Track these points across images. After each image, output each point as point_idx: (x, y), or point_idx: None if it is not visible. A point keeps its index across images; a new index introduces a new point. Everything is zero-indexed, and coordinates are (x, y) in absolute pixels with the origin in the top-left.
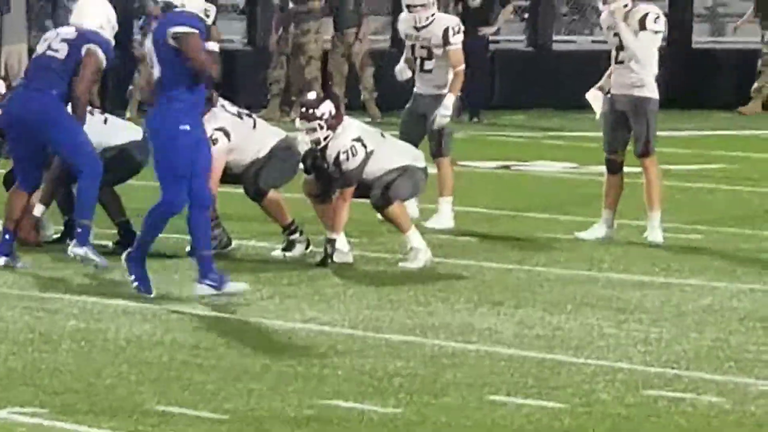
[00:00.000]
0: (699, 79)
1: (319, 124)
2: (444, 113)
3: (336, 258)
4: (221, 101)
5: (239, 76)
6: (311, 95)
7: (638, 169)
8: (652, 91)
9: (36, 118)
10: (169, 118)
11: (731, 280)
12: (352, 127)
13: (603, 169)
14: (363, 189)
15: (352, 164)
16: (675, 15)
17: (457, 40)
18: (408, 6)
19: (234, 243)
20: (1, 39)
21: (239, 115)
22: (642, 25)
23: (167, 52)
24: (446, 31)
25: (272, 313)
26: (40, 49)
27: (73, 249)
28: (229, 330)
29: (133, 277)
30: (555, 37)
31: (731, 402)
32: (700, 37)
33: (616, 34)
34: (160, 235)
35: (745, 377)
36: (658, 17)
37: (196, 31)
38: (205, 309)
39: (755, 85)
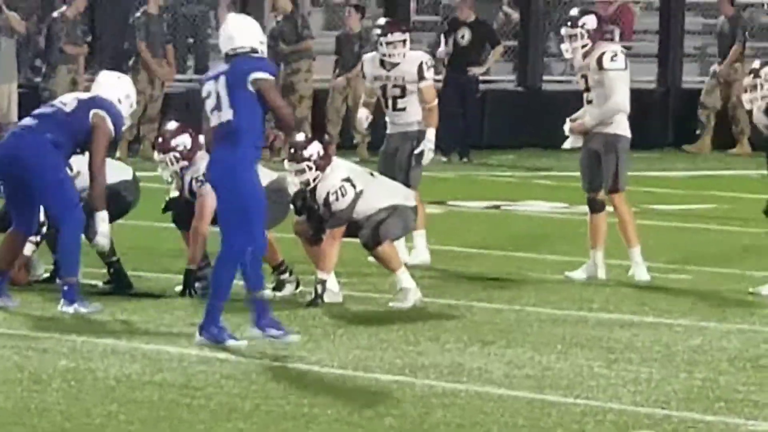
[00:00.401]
0: (687, 120)
1: (308, 165)
2: (430, 147)
3: (326, 298)
4: None
5: None
6: (299, 136)
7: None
8: (622, 129)
9: (24, 159)
10: (241, 163)
11: (721, 320)
12: (341, 167)
13: None
14: (353, 228)
15: (341, 204)
16: (665, 55)
17: (430, 75)
18: (387, 43)
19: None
20: None
21: None
22: (599, 65)
23: (245, 98)
24: (420, 66)
25: (262, 353)
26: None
27: (63, 309)
28: (218, 369)
29: (226, 338)
30: (545, 77)
31: None
32: (690, 77)
33: (583, 76)
34: (151, 275)
35: (735, 417)
36: (615, 55)
37: (274, 78)
38: (194, 348)
39: (735, 128)
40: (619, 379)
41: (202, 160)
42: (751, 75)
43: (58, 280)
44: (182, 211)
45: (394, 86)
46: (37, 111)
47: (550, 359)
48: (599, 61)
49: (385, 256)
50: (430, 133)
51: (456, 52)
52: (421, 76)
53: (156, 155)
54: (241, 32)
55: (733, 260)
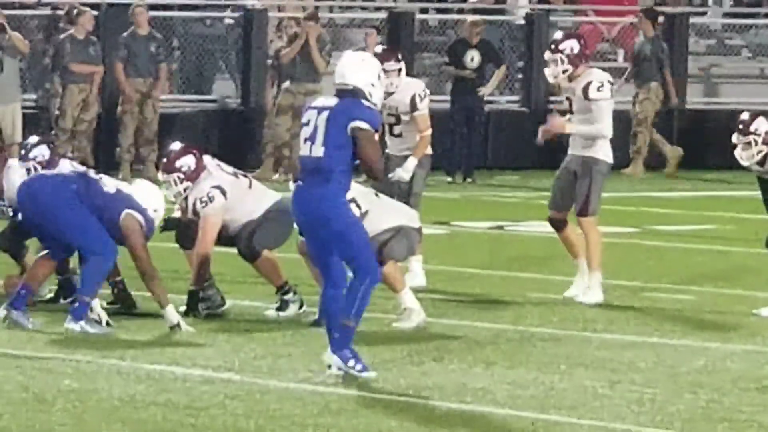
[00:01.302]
0: (693, 141)
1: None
2: (402, 175)
3: None
4: (217, 161)
5: (233, 136)
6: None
7: (628, 230)
8: (602, 154)
9: (46, 201)
10: (338, 199)
11: (724, 340)
12: None
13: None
14: None
15: None
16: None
17: (423, 106)
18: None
19: (228, 303)
20: None
21: (235, 175)
22: (585, 95)
23: (339, 140)
24: (413, 98)
25: (266, 373)
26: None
27: (69, 325)
28: (222, 390)
29: (354, 364)
30: (550, 98)
31: None
32: (694, 98)
33: (568, 98)
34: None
35: None
36: (601, 85)
37: (373, 129)
38: (198, 369)
39: (633, 147)
40: (623, 400)
41: (206, 180)
42: (741, 131)
43: (62, 300)
44: (186, 231)
45: (389, 114)
46: (76, 170)
47: (554, 379)
48: (585, 90)
49: (389, 277)
50: (410, 163)
51: (465, 74)
52: (413, 108)
53: (160, 175)
54: (354, 70)
55: (736, 281)
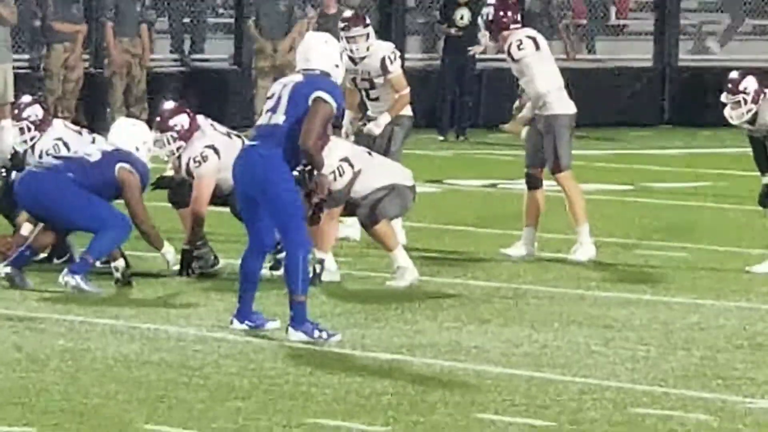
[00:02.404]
0: (686, 98)
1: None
2: (372, 128)
3: (324, 277)
4: (210, 121)
5: (227, 96)
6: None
7: (622, 187)
8: (559, 108)
9: (45, 199)
10: (283, 165)
11: (718, 297)
12: (338, 147)
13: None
14: (351, 208)
15: (339, 184)
16: (661, 33)
17: (395, 68)
18: (348, 38)
19: (221, 262)
20: None
21: (228, 135)
22: (511, 57)
23: (302, 109)
24: (383, 61)
25: (259, 332)
26: (62, 150)
27: (65, 277)
28: (216, 349)
29: (319, 334)
30: None
31: (719, 420)
32: (686, 55)
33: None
34: (149, 255)
35: (732, 395)
36: (520, 43)
37: (333, 107)
38: (192, 328)
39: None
40: (617, 357)
41: (199, 140)
42: (730, 90)
43: (55, 260)
44: (178, 190)
45: (363, 80)
46: (60, 154)
47: (548, 337)
48: (509, 53)
49: (382, 235)
50: (382, 118)
51: (461, 30)
52: (385, 71)
53: (153, 134)
54: (317, 54)
55: (730, 238)
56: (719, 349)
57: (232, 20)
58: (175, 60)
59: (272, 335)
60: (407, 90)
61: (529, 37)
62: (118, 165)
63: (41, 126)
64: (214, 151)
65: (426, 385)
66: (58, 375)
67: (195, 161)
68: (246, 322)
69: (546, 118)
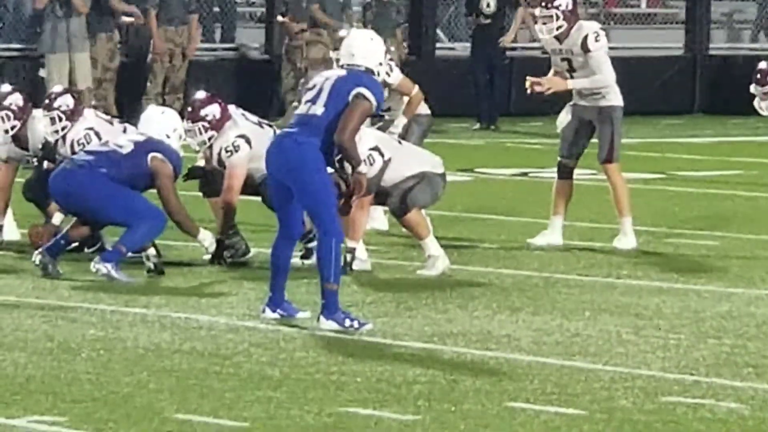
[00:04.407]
0: (716, 86)
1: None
2: (391, 130)
3: (355, 266)
4: (241, 111)
5: (258, 86)
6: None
7: (653, 176)
8: (617, 100)
9: (79, 194)
10: (317, 152)
11: (749, 286)
12: (368, 135)
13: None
14: (381, 196)
15: (370, 173)
16: (692, 22)
17: (395, 77)
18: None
19: (252, 251)
20: (69, 47)
21: (259, 124)
22: (585, 48)
23: (343, 102)
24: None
25: (291, 321)
26: (93, 145)
27: (97, 264)
28: (247, 338)
29: (350, 323)
30: None
31: (750, 408)
32: (717, 44)
33: (564, 59)
34: (180, 244)
35: (763, 383)
36: (597, 35)
37: (373, 105)
38: (223, 317)
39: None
40: (648, 346)
41: (231, 129)
42: (758, 81)
43: (86, 249)
44: (210, 180)
45: None
46: (92, 148)
47: (579, 326)
48: (584, 44)
49: (414, 224)
50: (399, 120)
51: (483, 20)
52: (385, 83)
53: (185, 124)
54: (362, 51)
55: (761, 226)
56: (750, 338)
57: (263, 9)
58: (208, 49)
59: (303, 324)
60: (416, 90)
61: (601, 29)
62: (151, 155)
63: (72, 116)
64: (246, 140)
65: (457, 374)
66: (89, 364)
67: (227, 151)
68: (278, 310)
69: (603, 109)
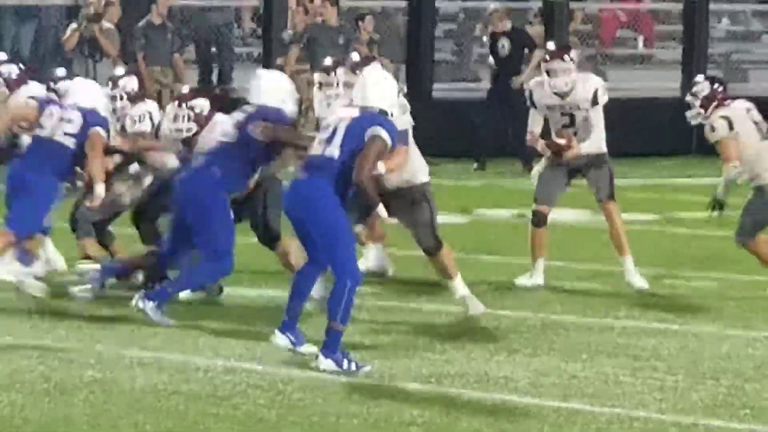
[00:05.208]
0: None
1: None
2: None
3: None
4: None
5: None
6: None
7: (649, 216)
8: (605, 145)
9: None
10: (333, 196)
11: (747, 327)
12: None
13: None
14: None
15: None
16: (689, 63)
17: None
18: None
19: (253, 292)
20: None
21: None
22: (594, 101)
23: (358, 143)
24: None
25: (288, 362)
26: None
27: (138, 303)
28: (244, 379)
29: (348, 365)
30: None
31: None
32: None
33: (566, 114)
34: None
35: (761, 425)
36: (604, 88)
37: (389, 145)
38: (220, 359)
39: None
40: (645, 387)
41: (211, 134)
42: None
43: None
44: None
45: None
46: (208, 148)
47: (576, 367)
48: (594, 98)
49: (445, 263)
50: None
51: (498, 63)
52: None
53: (170, 106)
54: (376, 92)
55: (758, 267)
56: (748, 379)
57: (260, 50)
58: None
59: (301, 365)
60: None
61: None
62: (259, 124)
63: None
64: None
65: (455, 415)
66: (86, 406)
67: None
68: (287, 334)
69: (598, 155)
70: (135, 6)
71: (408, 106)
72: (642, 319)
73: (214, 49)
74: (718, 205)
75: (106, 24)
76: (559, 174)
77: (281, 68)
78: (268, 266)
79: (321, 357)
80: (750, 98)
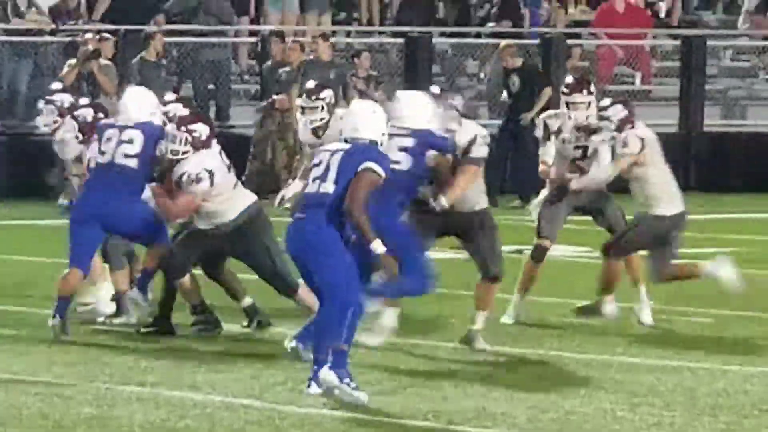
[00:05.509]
0: (711, 163)
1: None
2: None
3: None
4: (219, 148)
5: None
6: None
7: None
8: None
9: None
10: (332, 231)
11: (744, 363)
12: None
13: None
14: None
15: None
16: (686, 99)
17: None
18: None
19: (254, 328)
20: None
21: (228, 168)
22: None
23: (349, 177)
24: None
25: (285, 399)
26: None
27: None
28: (243, 416)
29: (350, 382)
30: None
31: None
32: (712, 121)
33: (579, 147)
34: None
35: None
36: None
37: (382, 178)
38: (218, 395)
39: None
40: (643, 423)
41: (205, 158)
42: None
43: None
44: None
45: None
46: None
47: (574, 403)
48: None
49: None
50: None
51: (511, 98)
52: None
53: (170, 126)
54: (367, 123)
55: (755, 303)
56: (745, 415)
57: (257, 87)
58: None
59: (299, 403)
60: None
61: None
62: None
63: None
64: (210, 176)
65: None
66: None
67: (189, 176)
68: (298, 341)
69: (600, 192)
70: (131, 42)
71: (488, 138)
72: (640, 355)
73: (211, 86)
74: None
75: (104, 60)
76: (562, 210)
77: (272, 105)
78: (268, 303)
79: (325, 369)
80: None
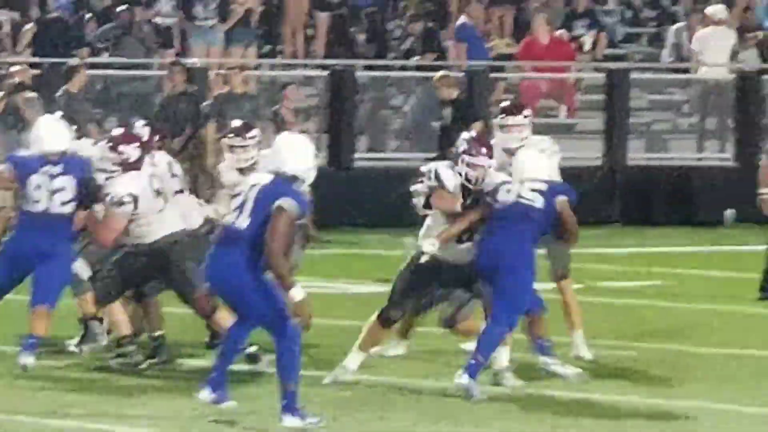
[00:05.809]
0: (635, 196)
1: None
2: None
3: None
4: (172, 162)
5: None
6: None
7: (572, 286)
8: None
9: None
10: (249, 268)
11: (668, 397)
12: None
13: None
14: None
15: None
16: (610, 133)
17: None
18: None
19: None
20: None
21: (181, 191)
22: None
23: (266, 214)
24: None
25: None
26: None
27: (460, 379)
28: None
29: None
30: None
31: None
32: (636, 154)
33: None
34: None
35: None
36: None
37: (295, 213)
38: (143, 427)
39: None
40: None
41: (131, 181)
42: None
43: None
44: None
45: None
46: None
47: None
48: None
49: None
50: None
51: (442, 130)
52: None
53: (103, 143)
54: (293, 156)
55: (679, 337)
56: None
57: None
58: None
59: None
60: None
61: None
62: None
63: None
64: (134, 201)
65: None
66: None
67: (112, 198)
68: (208, 389)
69: None
70: (55, 73)
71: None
72: (562, 389)
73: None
74: None
75: (29, 93)
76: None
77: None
78: (197, 337)
79: (284, 415)
80: (672, 168)
